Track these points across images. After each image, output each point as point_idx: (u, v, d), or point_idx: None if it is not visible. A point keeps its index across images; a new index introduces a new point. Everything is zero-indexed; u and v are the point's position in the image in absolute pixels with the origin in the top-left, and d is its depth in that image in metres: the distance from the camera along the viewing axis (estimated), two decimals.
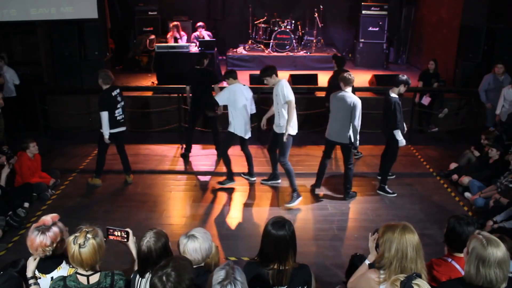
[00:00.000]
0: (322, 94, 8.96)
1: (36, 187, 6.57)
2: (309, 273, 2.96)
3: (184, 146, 8.18)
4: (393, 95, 6.43)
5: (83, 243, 2.67)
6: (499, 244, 2.48)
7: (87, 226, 2.78)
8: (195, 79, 7.64)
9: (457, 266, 3.02)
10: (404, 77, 6.49)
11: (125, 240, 3.04)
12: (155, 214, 6.27)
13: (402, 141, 6.47)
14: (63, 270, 2.95)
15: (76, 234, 2.73)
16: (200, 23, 11.13)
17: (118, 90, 6.77)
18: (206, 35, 11.25)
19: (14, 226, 5.81)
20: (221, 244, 5.40)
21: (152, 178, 7.38)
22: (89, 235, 2.70)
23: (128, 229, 3.06)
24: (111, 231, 3.05)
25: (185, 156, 8.08)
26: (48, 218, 2.97)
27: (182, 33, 11.02)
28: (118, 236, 3.04)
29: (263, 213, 6.28)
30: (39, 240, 2.86)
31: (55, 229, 2.92)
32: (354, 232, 5.88)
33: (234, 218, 6.21)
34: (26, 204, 6.21)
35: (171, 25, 11.09)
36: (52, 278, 2.91)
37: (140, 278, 2.79)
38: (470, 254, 2.50)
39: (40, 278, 2.94)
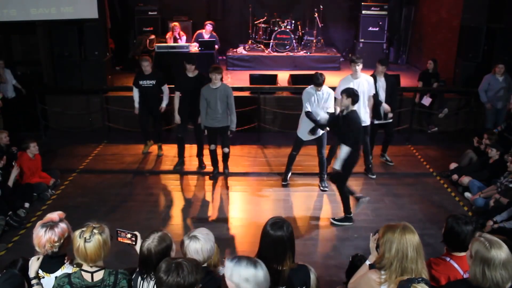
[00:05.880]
0: None
1: (36, 187, 6.58)
2: (308, 274, 2.95)
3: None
4: None
5: (88, 238, 2.69)
6: (502, 245, 2.49)
7: (95, 223, 2.80)
8: (189, 86, 7.16)
9: (456, 265, 3.01)
10: None
11: (134, 243, 3.05)
12: (155, 214, 6.27)
13: None
14: (67, 269, 2.95)
15: (83, 229, 2.75)
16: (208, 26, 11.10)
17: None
18: (207, 36, 11.16)
19: (14, 226, 5.82)
20: (220, 244, 5.38)
21: (152, 178, 7.39)
22: (95, 231, 2.72)
23: (136, 232, 3.07)
24: (120, 232, 3.06)
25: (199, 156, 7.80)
26: (55, 215, 2.97)
27: (182, 33, 11.00)
28: (127, 238, 3.05)
29: (263, 213, 6.27)
30: (47, 236, 2.86)
31: (62, 225, 2.93)
32: (354, 232, 5.87)
33: (234, 218, 6.21)
34: (27, 204, 6.23)
35: (171, 25, 11.06)
36: (56, 277, 2.90)
37: (141, 280, 2.78)
38: (474, 258, 2.50)
39: (43, 277, 2.94)
